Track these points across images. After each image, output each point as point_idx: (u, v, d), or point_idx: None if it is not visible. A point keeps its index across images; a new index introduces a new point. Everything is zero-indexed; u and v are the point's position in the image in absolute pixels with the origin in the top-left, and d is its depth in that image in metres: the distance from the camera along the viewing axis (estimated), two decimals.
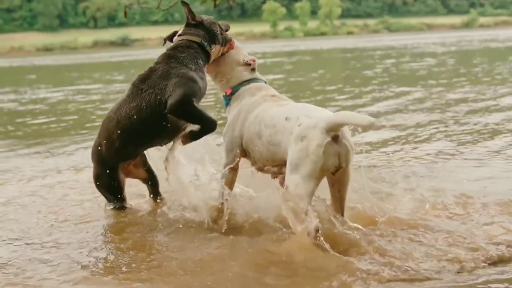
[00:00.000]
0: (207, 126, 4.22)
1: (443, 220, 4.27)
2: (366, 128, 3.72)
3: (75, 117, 11.96)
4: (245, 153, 4.37)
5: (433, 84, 14.08)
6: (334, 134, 3.74)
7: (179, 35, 4.51)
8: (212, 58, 4.52)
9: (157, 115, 4.22)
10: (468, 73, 17.21)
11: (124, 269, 3.74)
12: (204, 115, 4.20)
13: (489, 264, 3.58)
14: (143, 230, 4.40)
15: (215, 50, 4.50)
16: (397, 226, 4.13)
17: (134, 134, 4.34)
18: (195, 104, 4.17)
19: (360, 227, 3.98)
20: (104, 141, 4.46)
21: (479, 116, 9.12)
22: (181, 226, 4.40)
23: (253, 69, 4.57)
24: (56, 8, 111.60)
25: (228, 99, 4.52)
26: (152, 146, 4.59)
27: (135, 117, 4.26)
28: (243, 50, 4.68)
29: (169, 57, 4.35)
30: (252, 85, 4.49)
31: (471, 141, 7.25)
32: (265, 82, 4.57)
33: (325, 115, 3.91)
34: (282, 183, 4.29)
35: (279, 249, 3.81)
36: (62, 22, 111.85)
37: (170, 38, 4.63)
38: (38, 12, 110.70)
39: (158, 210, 4.78)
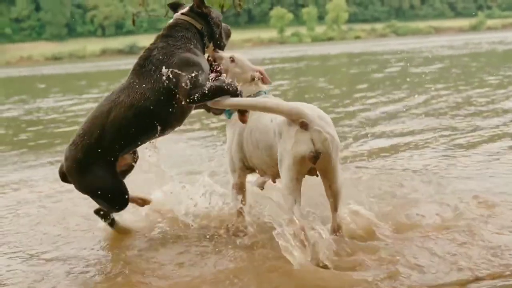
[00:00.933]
0: (233, 93, 3.96)
1: (456, 225, 4.19)
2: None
3: None
4: (252, 169, 4.46)
5: (441, 88, 14.02)
6: (299, 122, 3.79)
7: (183, 14, 4.35)
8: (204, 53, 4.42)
9: (168, 98, 4.02)
10: (476, 75, 17.14)
11: (133, 280, 3.74)
12: (222, 86, 3.94)
13: (507, 274, 3.46)
14: (148, 245, 4.35)
15: (209, 47, 4.42)
16: (409, 233, 4.11)
17: (148, 117, 4.03)
18: (207, 84, 3.95)
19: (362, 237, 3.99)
20: (108, 132, 4.06)
21: (490, 119, 9.06)
22: (183, 236, 4.41)
23: (254, 79, 4.56)
24: (64, 17, 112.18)
25: (230, 112, 4.53)
26: (161, 130, 4.18)
27: (151, 98, 4.02)
28: (247, 63, 4.62)
29: (166, 37, 4.20)
30: None
31: (481, 143, 7.18)
32: (265, 92, 4.58)
33: None
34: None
35: (286, 261, 3.74)
36: (70, 31, 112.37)
37: (173, 7, 4.50)
38: (46, 21, 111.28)
39: (159, 221, 4.68)
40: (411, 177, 5.71)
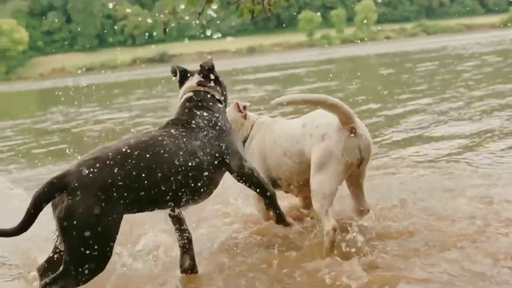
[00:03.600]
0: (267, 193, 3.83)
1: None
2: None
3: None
4: (274, 181, 4.43)
5: (479, 87, 13.81)
6: (350, 127, 3.84)
7: (200, 84, 4.03)
8: None
9: (211, 166, 3.67)
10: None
11: None
12: (264, 183, 3.83)
13: None
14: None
15: None
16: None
17: (186, 179, 3.53)
18: (260, 177, 3.83)
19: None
20: (150, 175, 3.39)
21: None
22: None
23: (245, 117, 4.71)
24: (95, 28, 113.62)
25: None
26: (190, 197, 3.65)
27: (194, 161, 3.55)
28: (229, 112, 4.57)
29: (204, 109, 3.84)
30: (255, 126, 4.64)
31: None
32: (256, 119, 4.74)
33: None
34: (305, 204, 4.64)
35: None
36: (101, 42, 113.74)
37: (182, 77, 4.14)
38: (77, 33, 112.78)
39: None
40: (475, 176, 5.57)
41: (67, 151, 10.32)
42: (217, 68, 4.14)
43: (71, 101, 26.10)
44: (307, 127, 4.07)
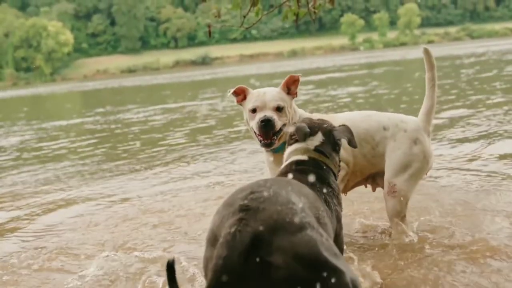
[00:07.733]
0: None
1: None
2: None
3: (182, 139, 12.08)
4: None
5: None
6: (429, 129, 3.98)
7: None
8: None
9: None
10: None
11: None
12: None
13: None
14: None
15: None
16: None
17: None
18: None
19: None
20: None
21: None
22: None
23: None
24: (138, 30, 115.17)
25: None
26: None
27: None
28: (279, 95, 3.89)
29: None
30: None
31: None
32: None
33: (413, 118, 4.06)
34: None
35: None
36: (144, 44, 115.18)
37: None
38: (121, 35, 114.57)
39: None
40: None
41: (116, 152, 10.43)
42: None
43: (115, 102, 26.43)
44: (390, 130, 3.95)
